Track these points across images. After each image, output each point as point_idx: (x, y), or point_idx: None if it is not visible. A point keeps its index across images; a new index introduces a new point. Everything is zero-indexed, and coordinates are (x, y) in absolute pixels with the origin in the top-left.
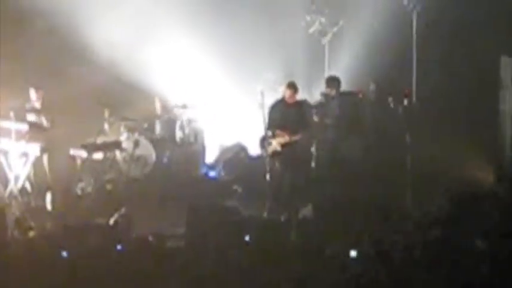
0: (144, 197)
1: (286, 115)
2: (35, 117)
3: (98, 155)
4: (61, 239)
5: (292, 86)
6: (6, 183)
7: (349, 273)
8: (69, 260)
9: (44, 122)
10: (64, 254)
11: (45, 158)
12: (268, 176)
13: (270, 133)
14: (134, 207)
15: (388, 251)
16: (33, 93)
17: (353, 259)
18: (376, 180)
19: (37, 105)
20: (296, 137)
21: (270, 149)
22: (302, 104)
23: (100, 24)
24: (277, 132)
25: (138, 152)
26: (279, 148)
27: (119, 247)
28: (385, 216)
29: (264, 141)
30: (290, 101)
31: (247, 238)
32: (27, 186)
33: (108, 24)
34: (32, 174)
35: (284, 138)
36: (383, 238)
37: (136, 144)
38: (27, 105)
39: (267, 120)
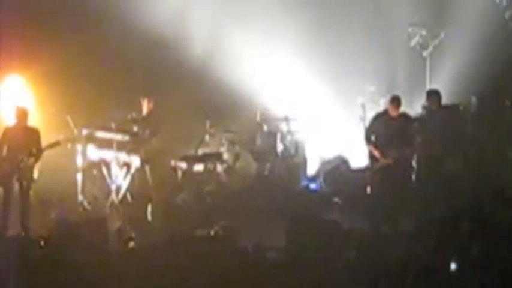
0: (245, 209)
1: (390, 128)
2: (139, 128)
3: (199, 167)
4: (164, 250)
5: (396, 100)
6: (107, 193)
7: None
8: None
9: (148, 133)
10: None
11: (147, 168)
12: (369, 189)
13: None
14: (234, 219)
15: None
16: (145, 103)
17: (453, 272)
18: (478, 194)
19: (145, 115)
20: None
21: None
22: (405, 116)
23: (207, 38)
24: (381, 155)
25: (238, 164)
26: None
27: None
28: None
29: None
30: (393, 114)
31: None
32: (128, 197)
33: (215, 38)
34: (133, 185)
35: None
36: (487, 251)
37: (237, 156)
38: (129, 116)
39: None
